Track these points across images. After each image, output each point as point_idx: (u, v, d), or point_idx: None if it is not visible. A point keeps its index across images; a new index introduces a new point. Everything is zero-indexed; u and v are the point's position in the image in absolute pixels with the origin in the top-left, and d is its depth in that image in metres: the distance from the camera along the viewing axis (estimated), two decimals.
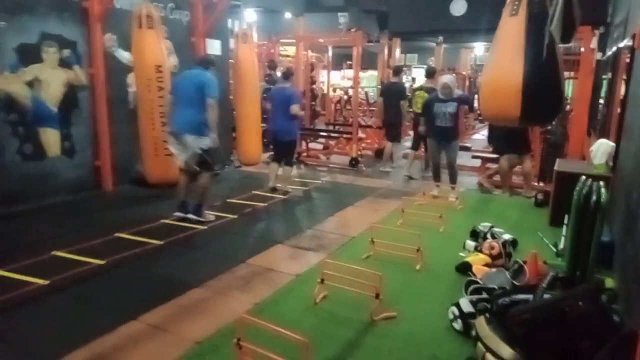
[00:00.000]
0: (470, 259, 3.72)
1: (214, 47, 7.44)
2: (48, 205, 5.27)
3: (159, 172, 5.67)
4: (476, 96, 8.11)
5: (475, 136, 13.07)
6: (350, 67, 14.09)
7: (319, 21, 15.64)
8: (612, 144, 4.54)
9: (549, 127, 6.70)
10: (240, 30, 7.08)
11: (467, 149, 8.64)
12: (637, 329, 2.07)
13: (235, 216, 5.03)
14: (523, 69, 2.95)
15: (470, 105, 5.67)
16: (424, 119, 6.12)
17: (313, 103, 10.05)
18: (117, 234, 4.31)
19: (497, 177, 6.80)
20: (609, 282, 3.20)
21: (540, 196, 5.68)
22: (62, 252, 3.84)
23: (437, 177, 6.03)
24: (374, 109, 13.58)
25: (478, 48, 16.47)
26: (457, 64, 15.22)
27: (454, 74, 13.34)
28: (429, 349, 2.64)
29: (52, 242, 4.02)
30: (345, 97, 13.96)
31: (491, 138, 7.01)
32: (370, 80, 19.04)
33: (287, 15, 14.67)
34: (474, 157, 7.77)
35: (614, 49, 5.49)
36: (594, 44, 6.54)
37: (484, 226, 4.32)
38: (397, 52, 10.14)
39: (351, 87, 9.46)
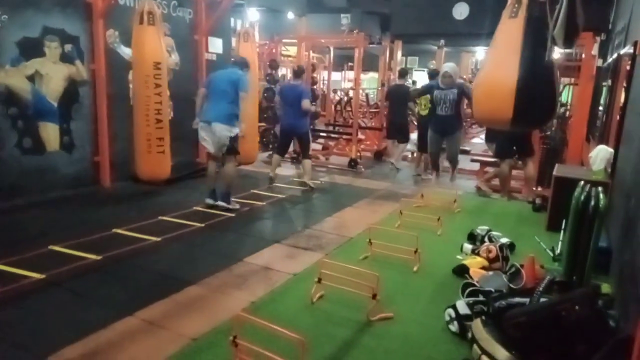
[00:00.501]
0: (467, 261, 3.72)
1: (215, 45, 7.45)
2: (46, 200, 5.27)
3: (150, 169, 5.68)
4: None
5: (474, 140, 13.08)
6: (351, 68, 14.11)
7: (322, 22, 15.64)
8: (611, 150, 4.55)
9: (548, 133, 6.71)
10: (242, 29, 7.09)
11: (466, 152, 8.66)
12: (632, 334, 2.08)
13: (233, 214, 5.03)
14: (518, 72, 2.95)
15: (470, 97, 5.40)
16: (417, 100, 6.39)
17: (314, 103, 10.04)
18: (114, 230, 4.31)
19: (495, 181, 6.80)
20: (606, 288, 3.20)
21: (538, 201, 5.68)
22: (59, 247, 3.84)
23: (435, 166, 6.12)
24: (374, 110, 13.61)
25: (479, 52, 16.51)
26: (458, 67, 15.25)
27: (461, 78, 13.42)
28: (425, 351, 2.64)
29: (49, 237, 4.03)
30: (346, 98, 13.95)
31: (489, 138, 6.95)
32: (370, 82, 19.06)
33: (290, 15, 14.67)
34: (472, 160, 7.78)
35: (615, 55, 5.50)
36: (595, 50, 6.56)
37: (481, 229, 4.33)
38: (399, 54, 10.15)
39: (352, 89, 9.46)
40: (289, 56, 12.81)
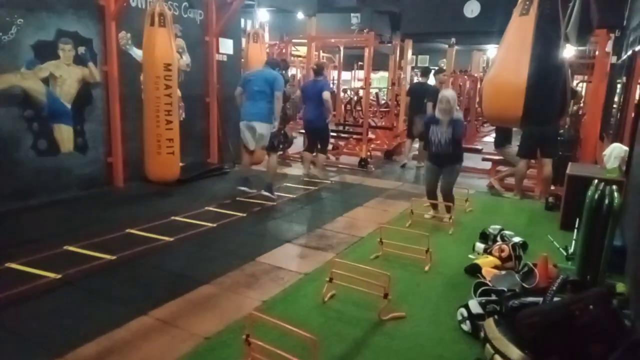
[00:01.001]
0: (479, 261, 3.71)
1: (226, 46, 7.49)
2: (60, 200, 5.34)
3: (160, 170, 5.72)
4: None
5: (486, 138, 12.98)
6: (361, 68, 14.09)
7: (331, 22, 15.63)
8: (625, 148, 4.50)
9: (561, 131, 6.63)
10: (252, 30, 7.11)
11: (477, 151, 8.60)
12: None
13: (245, 214, 5.06)
14: (528, 69, 2.92)
15: (459, 135, 4.78)
16: (424, 139, 5.32)
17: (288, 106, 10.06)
18: (128, 230, 4.36)
19: (507, 180, 6.74)
20: (620, 287, 3.17)
21: (551, 199, 5.63)
22: (73, 247, 3.90)
23: (433, 199, 5.09)
24: (384, 110, 13.57)
25: (490, 50, 16.37)
26: (469, 66, 15.16)
27: (466, 76, 13.33)
28: (437, 350, 2.63)
29: (64, 237, 4.08)
30: (356, 97, 13.95)
31: (499, 143, 6.82)
32: (381, 82, 19.02)
33: (300, 15, 14.69)
34: (484, 159, 7.73)
35: (630, 52, 5.42)
36: (609, 47, 6.48)
37: (493, 229, 4.31)
38: (409, 53, 10.11)
39: (362, 88, 9.45)
40: (299, 56, 12.83)
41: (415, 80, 10.26)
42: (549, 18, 2.95)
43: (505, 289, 2.98)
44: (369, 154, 8.69)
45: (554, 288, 2.61)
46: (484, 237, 4.28)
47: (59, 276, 3.36)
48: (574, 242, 4.07)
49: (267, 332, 2.44)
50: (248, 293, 3.26)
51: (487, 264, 3.62)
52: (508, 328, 2.42)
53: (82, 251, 3.83)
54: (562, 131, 6.61)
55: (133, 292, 3.27)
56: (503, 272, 3.36)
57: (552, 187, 6.08)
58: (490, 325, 2.49)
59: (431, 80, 8.47)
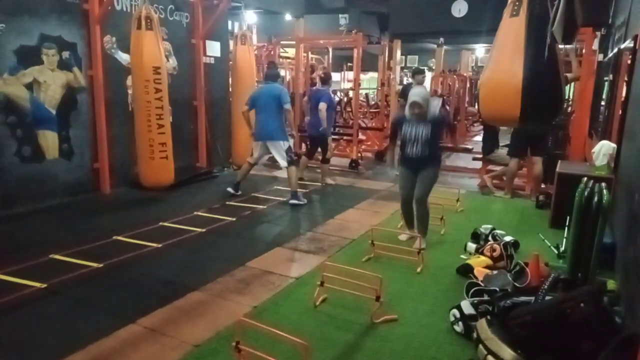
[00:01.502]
0: (471, 261, 3.70)
1: (213, 48, 7.44)
2: (46, 208, 5.25)
3: (154, 175, 5.65)
4: (476, 98, 8.00)
5: (476, 138, 13.04)
6: (350, 69, 14.10)
7: (320, 23, 15.62)
8: (613, 145, 4.52)
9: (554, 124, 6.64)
10: (239, 32, 7.08)
11: (468, 150, 8.63)
12: (638, 331, 2.05)
13: (234, 219, 5.02)
14: (523, 69, 2.93)
15: (449, 125, 4.28)
16: (392, 140, 4.56)
17: None
18: (115, 237, 4.30)
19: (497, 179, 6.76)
20: (611, 284, 3.18)
21: (542, 198, 5.65)
22: (59, 255, 3.83)
23: (408, 217, 4.41)
24: (374, 110, 13.58)
25: (479, 50, 16.47)
26: (458, 65, 15.23)
27: (455, 75, 13.39)
28: (430, 352, 2.61)
29: (49, 245, 4.01)
30: (345, 99, 13.93)
31: (487, 150, 6.83)
32: (370, 82, 19.03)
33: (288, 16, 14.65)
34: (474, 159, 7.74)
35: (616, 50, 5.46)
36: (595, 45, 6.52)
37: (485, 228, 4.31)
38: (398, 53, 10.12)
39: (351, 89, 9.44)
40: (288, 58, 12.80)
41: (405, 81, 10.26)
42: (539, 18, 2.96)
43: (497, 289, 2.97)
44: (359, 155, 8.68)
45: (546, 287, 2.60)
46: (476, 236, 4.28)
47: (45, 285, 3.29)
48: (564, 240, 4.08)
49: (258, 338, 2.41)
50: (238, 299, 3.22)
51: (479, 263, 3.61)
52: (500, 328, 2.41)
53: (68, 259, 3.76)
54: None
55: (121, 300, 3.21)
56: (495, 272, 3.35)
57: (543, 186, 6.11)
58: (482, 326, 2.47)
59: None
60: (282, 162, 5.75)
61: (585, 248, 3.07)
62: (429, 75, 12.07)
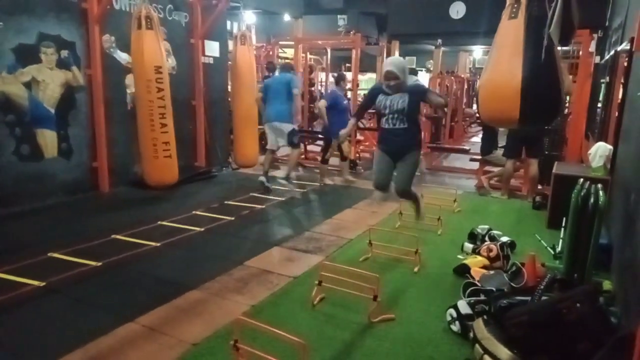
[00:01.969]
0: (468, 261, 3.72)
1: (212, 48, 7.45)
2: (44, 207, 5.25)
3: (158, 174, 5.66)
4: (474, 99, 8.02)
5: (474, 139, 13.08)
6: (348, 69, 14.11)
7: (318, 23, 15.65)
8: (610, 146, 4.55)
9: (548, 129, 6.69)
10: (239, 32, 7.09)
11: (465, 151, 8.66)
12: (634, 331, 2.07)
13: (233, 218, 5.03)
14: (522, 71, 2.95)
15: (432, 101, 3.78)
16: (357, 114, 4.39)
17: (312, 105, 10.05)
18: (113, 236, 4.30)
19: (496, 179, 6.79)
20: (607, 285, 3.20)
21: (538, 199, 5.68)
22: (58, 254, 3.83)
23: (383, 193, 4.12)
24: (372, 111, 13.57)
25: (476, 51, 16.51)
26: (456, 66, 15.27)
27: (453, 77, 13.42)
28: (427, 351, 2.63)
29: (48, 244, 4.01)
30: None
31: (485, 151, 6.85)
32: (368, 83, 19.05)
33: (286, 17, 14.67)
34: (472, 160, 7.77)
35: (612, 52, 5.50)
36: (592, 47, 6.56)
37: (482, 229, 4.33)
38: (396, 54, 10.15)
39: (349, 90, 9.47)
40: (286, 58, 12.81)
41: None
42: (538, 20, 2.97)
43: (494, 289, 2.99)
44: (357, 155, 8.69)
45: (542, 287, 2.62)
46: (473, 237, 4.30)
47: (43, 284, 3.30)
48: (561, 240, 4.10)
49: (256, 337, 2.42)
50: (236, 298, 3.23)
51: (476, 264, 3.63)
52: (497, 328, 2.43)
53: (66, 258, 3.76)
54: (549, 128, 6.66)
55: (119, 299, 3.21)
56: (491, 272, 3.37)
57: (539, 187, 6.14)
58: (479, 326, 2.49)
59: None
60: (285, 144, 6.11)
61: (582, 249, 3.10)
62: (426, 76, 12.06)
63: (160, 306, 3.06)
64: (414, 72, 8.45)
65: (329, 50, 10.94)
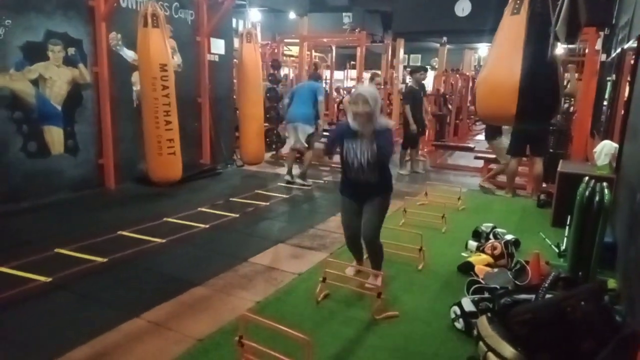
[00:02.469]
0: (472, 259, 3.72)
1: (218, 46, 7.46)
2: (51, 203, 5.29)
3: (163, 171, 5.70)
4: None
5: (478, 137, 13.04)
6: (353, 67, 14.09)
7: (323, 21, 15.64)
8: (615, 145, 4.53)
9: (553, 128, 6.66)
10: (245, 30, 7.10)
11: (470, 149, 8.64)
12: (639, 330, 2.07)
13: (237, 215, 5.05)
14: (521, 68, 2.94)
15: (388, 153, 3.16)
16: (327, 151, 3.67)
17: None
18: (119, 232, 4.33)
19: (499, 177, 6.76)
20: (612, 283, 3.20)
21: (543, 197, 5.66)
22: (64, 250, 3.86)
23: (356, 251, 3.51)
24: None
25: (482, 49, 16.43)
26: (461, 64, 15.20)
27: (458, 74, 13.37)
28: (431, 348, 2.64)
29: (54, 240, 4.05)
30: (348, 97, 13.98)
31: (489, 136, 6.80)
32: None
33: (292, 15, 14.68)
34: (476, 157, 7.75)
35: (619, 50, 5.46)
36: (598, 45, 6.51)
37: (486, 226, 4.32)
38: (401, 52, 10.13)
39: (354, 87, 9.47)
40: (291, 56, 12.82)
41: (408, 80, 10.20)
42: (540, 17, 2.96)
43: (498, 287, 2.99)
44: None
45: (546, 285, 2.62)
46: (477, 235, 4.30)
47: (50, 279, 3.33)
48: (565, 239, 4.10)
49: (261, 333, 2.44)
50: (241, 294, 3.25)
51: (480, 261, 3.63)
52: (501, 325, 2.43)
53: (73, 254, 3.80)
54: (554, 128, 6.64)
55: (125, 295, 3.24)
56: (496, 270, 3.37)
57: (544, 185, 6.12)
58: (483, 323, 2.49)
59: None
60: (304, 144, 6.48)
61: (586, 247, 3.09)
62: (431, 73, 12.00)
63: (166, 302, 3.09)
64: (423, 68, 8.37)
65: (334, 48, 10.95)
